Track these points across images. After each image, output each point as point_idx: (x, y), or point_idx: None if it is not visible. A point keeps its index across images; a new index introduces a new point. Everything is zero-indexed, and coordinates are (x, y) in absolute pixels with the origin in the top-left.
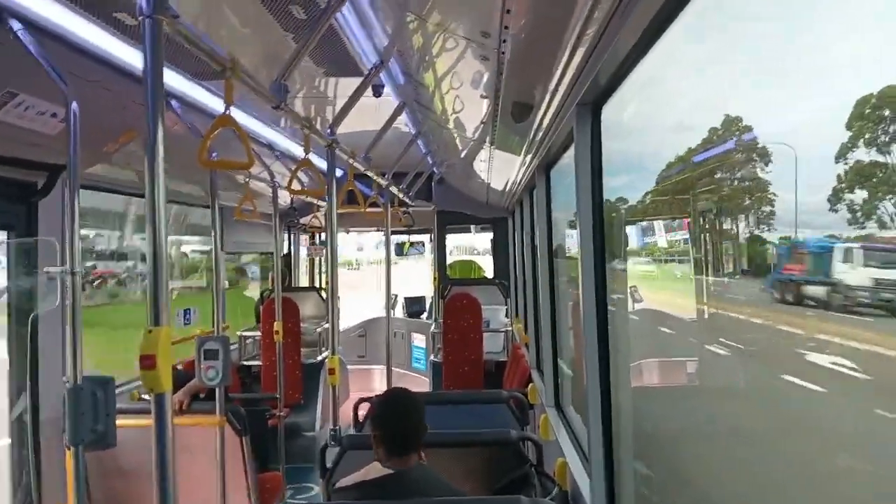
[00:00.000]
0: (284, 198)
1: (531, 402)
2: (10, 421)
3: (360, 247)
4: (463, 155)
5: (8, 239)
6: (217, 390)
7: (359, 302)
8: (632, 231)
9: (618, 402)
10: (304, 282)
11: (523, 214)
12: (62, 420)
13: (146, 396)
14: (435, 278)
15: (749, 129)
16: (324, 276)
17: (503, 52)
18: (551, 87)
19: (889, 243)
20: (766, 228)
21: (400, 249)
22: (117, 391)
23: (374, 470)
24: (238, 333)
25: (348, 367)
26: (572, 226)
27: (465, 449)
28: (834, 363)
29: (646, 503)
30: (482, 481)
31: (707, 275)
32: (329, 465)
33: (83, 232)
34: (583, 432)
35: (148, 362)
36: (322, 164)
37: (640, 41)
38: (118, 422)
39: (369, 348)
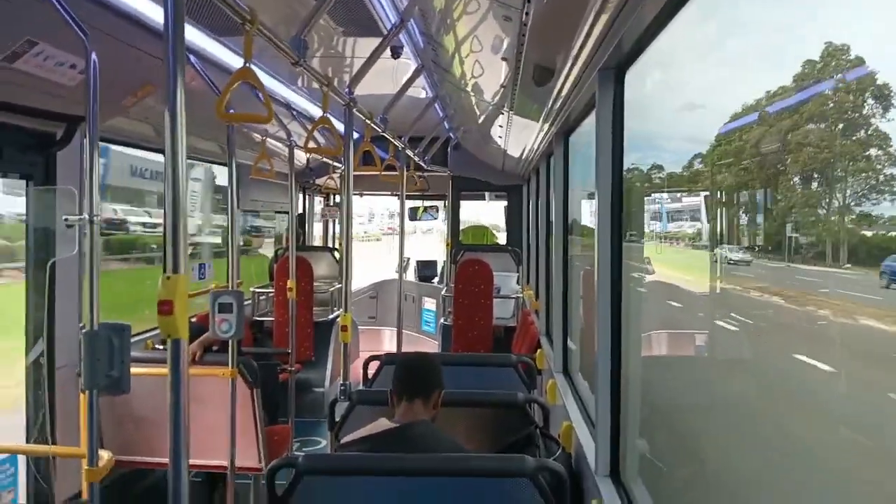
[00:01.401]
0: (301, 158)
1: (539, 368)
2: (27, 365)
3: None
4: (480, 120)
5: (27, 188)
6: (230, 343)
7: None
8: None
9: (627, 370)
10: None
11: (539, 182)
12: (77, 365)
13: (160, 346)
14: (447, 243)
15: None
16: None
17: (526, 13)
18: (574, 50)
19: None
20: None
21: (414, 214)
22: (132, 340)
23: (381, 425)
24: (252, 289)
25: (359, 327)
26: (590, 196)
27: (473, 409)
28: None
29: (650, 468)
30: (487, 441)
31: None
32: (338, 419)
33: None
34: (589, 398)
35: (165, 308)
36: (339, 125)
37: (667, 5)
38: (132, 370)
39: (380, 310)
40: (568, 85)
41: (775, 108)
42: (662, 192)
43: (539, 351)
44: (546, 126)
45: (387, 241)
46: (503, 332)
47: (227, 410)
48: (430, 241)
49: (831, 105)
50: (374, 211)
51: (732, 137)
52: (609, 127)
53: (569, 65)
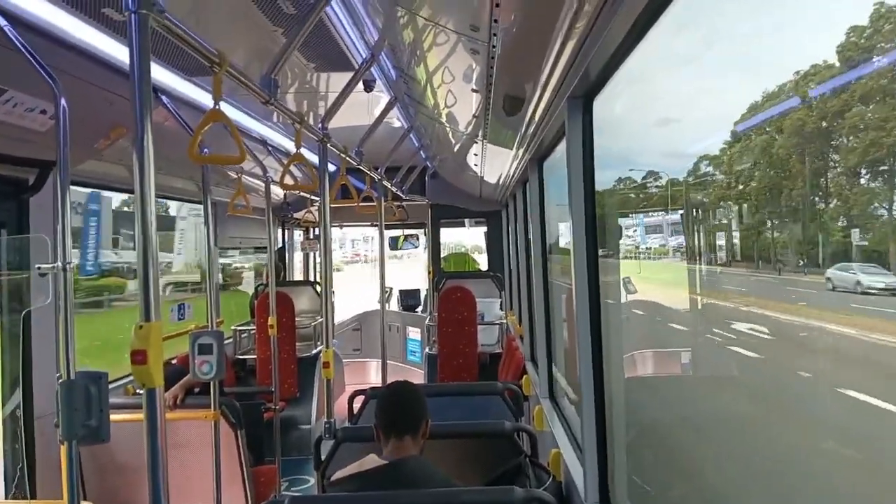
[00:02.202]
0: (278, 193)
1: (525, 394)
2: (4, 417)
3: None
4: (456, 149)
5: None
6: (212, 384)
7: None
8: None
9: (611, 392)
10: (298, 276)
11: (516, 207)
12: (56, 415)
13: (140, 391)
14: (430, 271)
15: None
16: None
17: (493, 46)
18: (542, 80)
19: None
20: None
21: (395, 243)
22: (111, 386)
23: (370, 462)
24: (232, 328)
25: (344, 360)
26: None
27: (460, 440)
28: None
29: (639, 492)
30: (476, 472)
31: None
32: (324, 457)
33: None
34: (576, 423)
35: (139, 357)
36: (314, 158)
37: (631, 34)
38: (113, 416)
39: (364, 341)
40: (539, 114)
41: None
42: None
43: (525, 377)
44: (520, 153)
45: (349, 271)
46: (489, 358)
47: (212, 453)
48: (401, 266)
49: None
50: (346, 236)
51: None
52: (580, 153)
53: (538, 94)
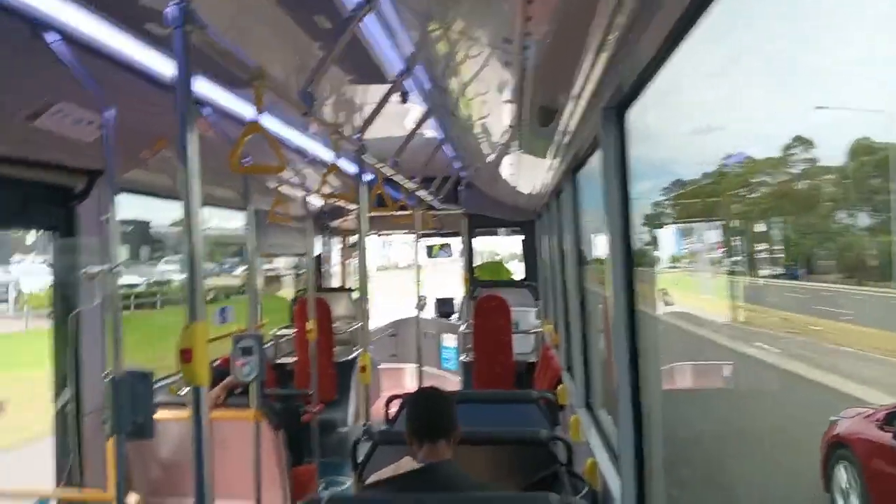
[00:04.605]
0: (316, 202)
1: (561, 403)
2: (56, 411)
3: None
4: (489, 159)
5: (51, 240)
6: (252, 386)
7: None
8: None
9: (648, 403)
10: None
11: (551, 217)
12: (103, 411)
13: (182, 392)
14: (465, 280)
15: None
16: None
17: (526, 58)
18: (575, 91)
19: None
20: None
21: (429, 251)
22: (156, 386)
23: (405, 465)
24: (272, 332)
25: (381, 365)
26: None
27: (495, 447)
28: None
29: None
30: (512, 479)
31: None
32: (360, 459)
33: None
34: (613, 433)
35: (186, 356)
36: (351, 168)
37: (663, 46)
38: (158, 414)
39: (400, 348)
40: (572, 124)
41: None
42: None
43: (561, 386)
44: (554, 163)
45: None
46: (524, 367)
47: (252, 453)
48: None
49: None
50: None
51: None
52: (614, 164)
53: (571, 106)
